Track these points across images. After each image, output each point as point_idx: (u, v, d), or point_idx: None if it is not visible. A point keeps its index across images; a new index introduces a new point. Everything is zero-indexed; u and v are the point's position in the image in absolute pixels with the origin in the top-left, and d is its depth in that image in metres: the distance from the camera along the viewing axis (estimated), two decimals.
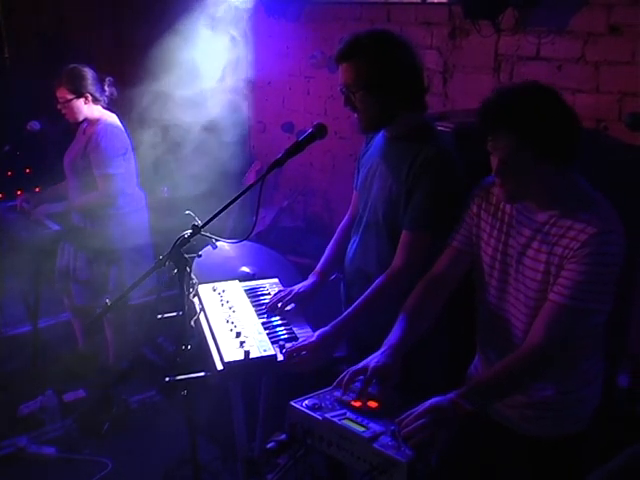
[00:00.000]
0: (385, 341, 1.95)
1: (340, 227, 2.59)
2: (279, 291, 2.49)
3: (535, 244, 1.82)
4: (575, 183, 1.80)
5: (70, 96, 3.54)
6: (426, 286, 2.05)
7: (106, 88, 3.65)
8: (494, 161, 1.77)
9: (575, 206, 1.76)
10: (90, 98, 3.57)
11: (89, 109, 3.61)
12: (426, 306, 2.03)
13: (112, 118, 3.68)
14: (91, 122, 3.66)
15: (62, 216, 3.77)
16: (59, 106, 3.59)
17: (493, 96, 1.76)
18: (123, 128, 3.70)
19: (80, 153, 3.65)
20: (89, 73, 3.59)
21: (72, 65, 3.59)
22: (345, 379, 1.83)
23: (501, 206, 1.93)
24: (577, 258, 1.70)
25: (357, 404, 1.78)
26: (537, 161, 1.72)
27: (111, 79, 3.69)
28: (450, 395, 1.68)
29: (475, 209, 1.99)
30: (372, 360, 1.88)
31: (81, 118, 3.64)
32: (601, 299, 1.73)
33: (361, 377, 1.84)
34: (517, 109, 1.70)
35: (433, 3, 3.53)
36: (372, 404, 1.78)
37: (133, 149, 3.73)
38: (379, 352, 1.91)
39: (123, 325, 3.94)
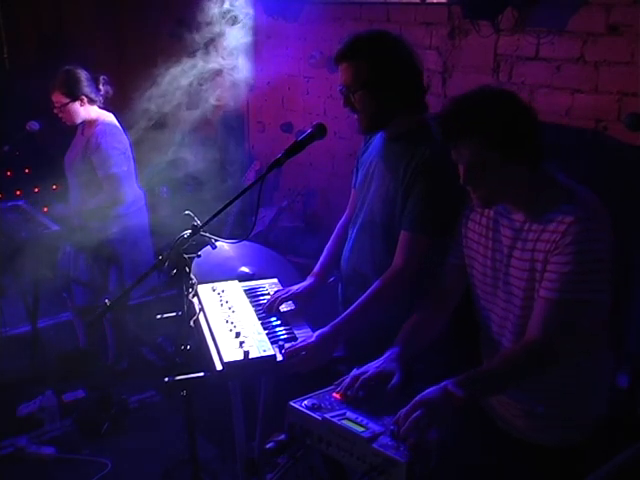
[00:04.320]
0: (388, 348, 1.96)
1: (338, 227, 2.59)
2: (277, 291, 2.49)
3: (519, 244, 1.81)
4: (550, 178, 1.80)
5: (66, 100, 3.54)
6: (431, 301, 2.06)
7: (101, 87, 3.65)
8: (461, 170, 1.77)
9: (552, 200, 1.75)
10: (86, 100, 3.57)
11: (86, 111, 3.61)
12: (431, 321, 2.04)
13: (110, 118, 3.67)
14: (89, 123, 3.66)
15: (62, 217, 3.77)
16: (55, 110, 3.58)
17: (449, 106, 1.77)
18: (121, 127, 3.70)
19: (80, 155, 3.64)
20: (83, 75, 3.58)
21: (65, 68, 3.58)
22: (345, 383, 1.84)
23: (484, 212, 1.93)
24: (560, 249, 1.69)
25: (337, 396, 1.80)
26: (502, 163, 1.71)
27: (105, 77, 3.68)
28: (443, 384, 1.68)
29: (463, 220, 2.01)
30: (374, 364, 1.90)
31: (78, 121, 3.64)
32: (593, 288, 1.69)
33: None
34: (473, 115, 1.70)
35: (432, 3, 3.53)
36: (336, 395, 1.80)
37: (132, 148, 3.73)
38: (382, 358, 1.92)
39: (123, 325, 3.94)
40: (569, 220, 1.68)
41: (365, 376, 1.84)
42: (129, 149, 3.69)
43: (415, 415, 1.61)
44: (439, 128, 1.79)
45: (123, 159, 3.62)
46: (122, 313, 3.84)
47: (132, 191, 3.71)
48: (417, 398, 1.65)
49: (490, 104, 1.72)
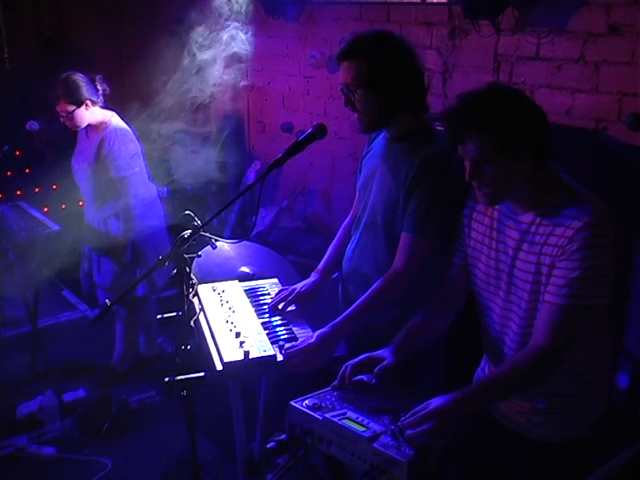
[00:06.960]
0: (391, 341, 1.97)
1: (343, 226, 2.58)
2: (281, 290, 2.48)
3: (525, 246, 1.81)
4: (557, 179, 1.80)
5: (71, 108, 3.54)
6: (437, 302, 2.06)
7: (99, 87, 3.65)
8: (467, 165, 1.77)
9: (559, 202, 1.75)
10: (90, 103, 3.58)
11: (91, 114, 3.61)
12: (434, 322, 2.04)
13: (116, 119, 3.67)
14: (94, 126, 3.65)
15: (75, 218, 3.77)
16: (62, 119, 3.59)
17: (456, 103, 1.76)
18: (128, 126, 3.70)
19: (91, 160, 3.63)
20: (81, 79, 3.58)
21: (63, 76, 3.57)
22: (345, 373, 1.85)
23: (488, 212, 1.93)
24: (567, 255, 1.69)
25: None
26: (508, 162, 1.72)
27: (101, 76, 3.68)
28: (454, 395, 1.67)
29: (466, 220, 2.00)
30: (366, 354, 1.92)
31: (85, 125, 3.64)
32: (599, 293, 1.70)
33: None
34: (480, 111, 1.70)
35: (433, 3, 3.53)
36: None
37: (141, 146, 3.73)
38: (382, 350, 1.93)
39: (135, 326, 3.93)
40: (577, 225, 1.68)
41: (354, 361, 1.86)
42: (139, 148, 3.69)
43: (427, 427, 1.60)
44: (445, 123, 1.78)
45: (135, 161, 3.64)
46: (144, 310, 3.83)
47: (144, 187, 3.73)
48: (430, 408, 1.64)
49: (499, 103, 1.72)
